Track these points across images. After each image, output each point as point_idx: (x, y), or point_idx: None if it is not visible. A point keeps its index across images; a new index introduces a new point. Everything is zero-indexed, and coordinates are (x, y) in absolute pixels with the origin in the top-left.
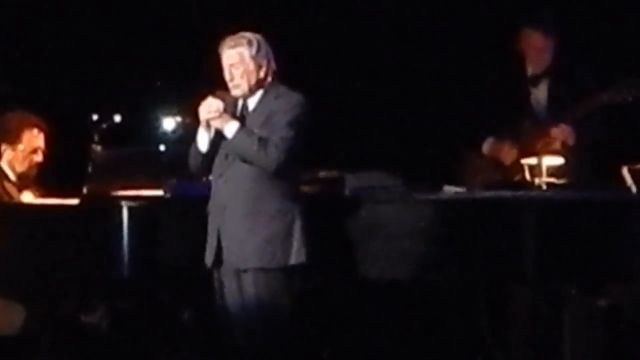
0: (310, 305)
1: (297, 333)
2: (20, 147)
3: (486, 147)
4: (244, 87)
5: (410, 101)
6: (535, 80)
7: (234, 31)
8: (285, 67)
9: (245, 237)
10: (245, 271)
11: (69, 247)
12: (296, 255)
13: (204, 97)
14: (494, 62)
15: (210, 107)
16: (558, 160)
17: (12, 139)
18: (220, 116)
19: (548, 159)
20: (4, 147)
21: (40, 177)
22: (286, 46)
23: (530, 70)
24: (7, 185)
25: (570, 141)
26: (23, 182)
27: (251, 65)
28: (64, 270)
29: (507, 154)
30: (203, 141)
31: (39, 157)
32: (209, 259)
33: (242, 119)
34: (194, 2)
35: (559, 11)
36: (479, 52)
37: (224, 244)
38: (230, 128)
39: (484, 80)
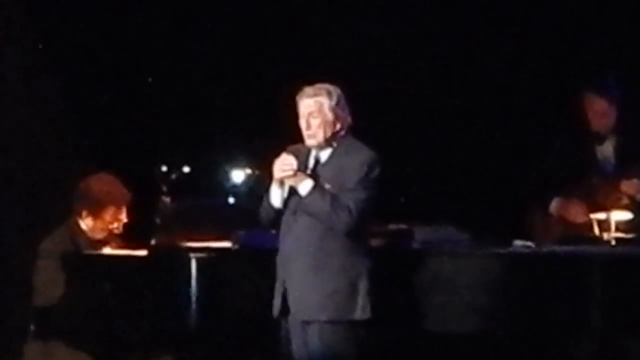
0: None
1: None
2: (100, 217)
3: (554, 206)
4: (320, 137)
5: (482, 157)
6: (600, 138)
7: (305, 83)
8: (356, 120)
9: (310, 290)
10: (310, 323)
11: (137, 298)
12: (361, 311)
13: (276, 152)
14: (560, 120)
15: (284, 164)
16: (627, 215)
17: (96, 209)
18: (294, 174)
19: (617, 213)
20: (84, 213)
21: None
22: (357, 99)
23: (593, 129)
24: (82, 241)
25: None
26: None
27: (329, 116)
28: (131, 320)
29: (576, 212)
30: (276, 197)
31: (118, 229)
32: (275, 309)
33: (313, 171)
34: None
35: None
36: (545, 109)
37: (289, 296)
38: (305, 186)
39: (551, 138)
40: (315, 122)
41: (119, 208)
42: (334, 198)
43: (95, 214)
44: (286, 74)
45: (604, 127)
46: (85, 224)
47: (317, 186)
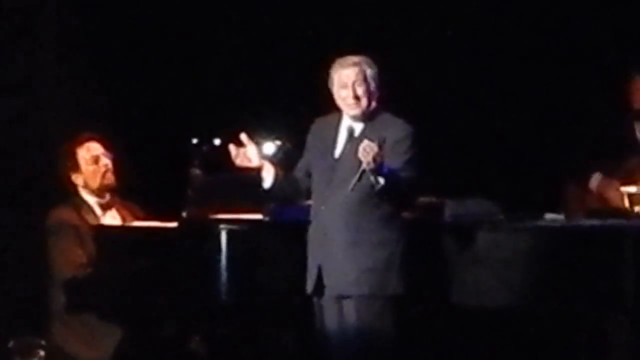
0: (407, 334)
1: None
2: (82, 166)
3: (594, 183)
4: (364, 105)
5: (515, 131)
6: None
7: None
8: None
9: (347, 265)
10: (346, 298)
11: (167, 271)
12: (396, 286)
13: (307, 123)
14: (600, 96)
15: (370, 151)
16: None
17: (72, 165)
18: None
19: None
20: (73, 177)
21: (133, 197)
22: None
23: (636, 107)
24: (85, 214)
25: None
26: (107, 204)
27: (372, 85)
28: (161, 294)
29: (616, 193)
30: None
31: (104, 161)
32: (309, 285)
33: (348, 143)
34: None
35: None
36: (585, 87)
37: (324, 271)
38: (381, 178)
39: (590, 113)
40: (360, 90)
41: (85, 146)
42: (407, 178)
43: (75, 167)
44: (313, 46)
45: None
46: (79, 183)
47: (391, 172)
